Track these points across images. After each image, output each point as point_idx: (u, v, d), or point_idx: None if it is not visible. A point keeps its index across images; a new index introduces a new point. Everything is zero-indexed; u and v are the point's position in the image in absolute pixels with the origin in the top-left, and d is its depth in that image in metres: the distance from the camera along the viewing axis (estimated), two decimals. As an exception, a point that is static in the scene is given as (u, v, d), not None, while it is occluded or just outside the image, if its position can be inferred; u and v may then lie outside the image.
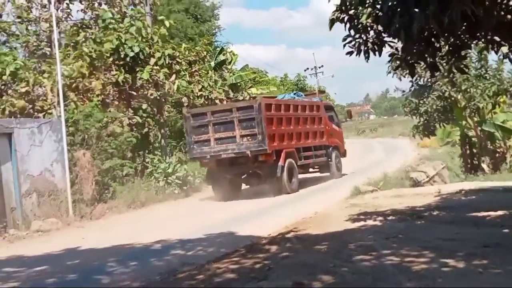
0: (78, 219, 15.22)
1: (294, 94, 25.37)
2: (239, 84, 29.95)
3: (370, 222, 10.49)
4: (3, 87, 19.50)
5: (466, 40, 8.33)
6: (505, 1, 7.55)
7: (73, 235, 13.29)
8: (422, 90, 23.22)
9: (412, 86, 22.90)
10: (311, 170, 21.60)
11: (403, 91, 24.90)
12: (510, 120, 24.84)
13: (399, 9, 7.17)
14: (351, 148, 24.76)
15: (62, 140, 15.87)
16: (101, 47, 20.50)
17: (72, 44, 22.09)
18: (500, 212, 10.12)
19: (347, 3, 8.55)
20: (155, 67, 21.07)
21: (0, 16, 23.46)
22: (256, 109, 17.33)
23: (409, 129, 29.05)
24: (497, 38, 8.48)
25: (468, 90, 22.39)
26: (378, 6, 7.91)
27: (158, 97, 21.97)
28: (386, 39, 8.52)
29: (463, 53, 8.81)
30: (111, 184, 17.86)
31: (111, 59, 20.55)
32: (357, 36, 8.64)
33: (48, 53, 22.65)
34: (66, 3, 23.44)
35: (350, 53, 8.74)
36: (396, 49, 8.83)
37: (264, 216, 13.81)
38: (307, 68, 63.63)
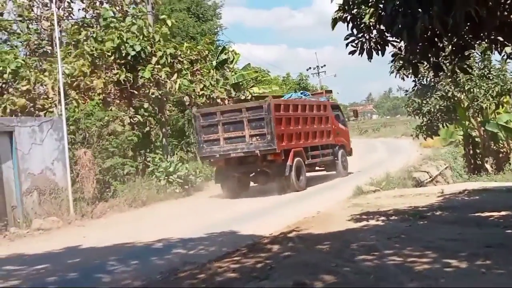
0: (79, 218, 15.19)
1: (301, 93, 25.51)
2: (241, 83, 29.87)
3: (372, 222, 10.46)
4: (4, 85, 19.49)
5: (469, 40, 8.28)
6: (508, 1, 7.50)
7: (74, 234, 13.26)
8: (425, 90, 23.19)
9: (415, 85, 22.84)
10: (317, 168, 21.81)
11: (406, 91, 24.95)
12: (514, 120, 24.79)
13: (402, 9, 7.12)
14: (353, 148, 24.77)
15: (63, 138, 15.84)
16: (102, 46, 20.47)
17: (73, 42, 22.09)
18: (503, 213, 10.09)
19: (350, 3, 8.51)
20: (156, 66, 21.02)
21: (1, 15, 23.49)
22: (265, 109, 17.58)
23: (411, 129, 28.97)
24: (500, 38, 8.44)
25: (472, 90, 22.38)
26: (381, 6, 7.86)
27: (160, 96, 21.93)
28: (389, 38, 8.47)
29: (466, 53, 8.76)
30: (112, 183, 17.84)
31: (112, 57, 20.50)
32: (359, 35, 8.60)
33: (49, 51, 22.72)
34: (68, 2, 23.54)
35: (353, 52, 8.71)
36: (399, 48, 8.80)
37: (266, 215, 13.79)
38: (309, 68, 63.83)
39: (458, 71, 9.19)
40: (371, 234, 9.14)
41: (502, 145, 25.81)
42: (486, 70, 22.76)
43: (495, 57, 22.23)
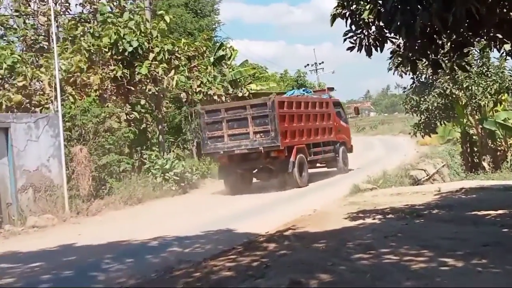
0: (74, 215, 15.13)
1: (304, 90, 25.85)
2: (238, 80, 29.80)
3: (369, 220, 10.42)
4: (0, 81, 19.38)
5: (468, 38, 8.23)
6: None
7: (69, 231, 13.21)
8: (423, 87, 23.20)
9: (413, 83, 22.86)
10: (318, 165, 22.07)
11: (404, 88, 24.93)
12: (512, 118, 24.80)
13: (401, 6, 7.07)
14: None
15: (59, 135, 15.77)
16: (99, 42, 20.39)
17: (70, 38, 22.01)
18: (500, 211, 10.06)
19: (349, -1, 8.47)
20: (153, 62, 20.94)
21: (-2, 10, 23.38)
22: (269, 106, 17.90)
23: (409, 127, 28.99)
24: (499, 36, 8.40)
25: (470, 87, 22.39)
26: (380, 2, 7.81)
27: (157, 93, 21.86)
28: (387, 35, 8.44)
29: (465, 50, 8.72)
30: (108, 180, 17.78)
31: (109, 53, 20.43)
32: (358, 31, 8.56)
33: (45, 47, 22.63)
34: (65, -3, 23.37)
35: (351, 48, 8.69)
36: (398, 45, 8.75)
37: (263, 213, 13.77)
38: (307, 64, 63.78)
39: (456, 68, 9.15)
40: (368, 233, 9.11)
41: (499, 143, 25.83)
42: (484, 67, 22.78)
43: (494, 54, 22.23)
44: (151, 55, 21.03)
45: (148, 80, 21.23)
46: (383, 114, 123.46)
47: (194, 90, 24.26)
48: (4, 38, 23.75)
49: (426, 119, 24.06)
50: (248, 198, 17.30)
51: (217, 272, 7.43)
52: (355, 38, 8.68)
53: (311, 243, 8.67)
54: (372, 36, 8.60)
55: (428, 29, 7.35)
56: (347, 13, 8.62)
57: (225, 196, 18.66)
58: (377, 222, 10.26)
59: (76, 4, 23.86)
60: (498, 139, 25.70)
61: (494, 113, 25.03)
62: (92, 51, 20.42)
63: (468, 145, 25.20)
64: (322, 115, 21.46)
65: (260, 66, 46.03)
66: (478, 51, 20.81)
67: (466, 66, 9.89)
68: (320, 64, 65.56)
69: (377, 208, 11.72)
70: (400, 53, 8.70)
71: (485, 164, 24.40)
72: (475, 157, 25.07)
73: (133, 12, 22.62)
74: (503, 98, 24.39)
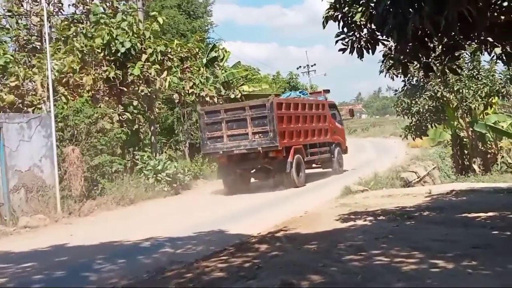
0: (66, 216, 15.12)
1: (300, 92, 26.39)
2: (230, 81, 29.80)
3: (360, 222, 10.46)
4: (-8, 81, 19.34)
5: (460, 41, 8.29)
6: (498, 2, 7.51)
7: (61, 232, 13.19)
8: (415, 90, 23.27)
9: (405, 85, 22.95)
10: (314, 165, 22.36)
11: (395, 91, 24.96)
12: (502, 121, 24.95)
13: (392, 9, 7.12)
14: (343, 148, 24.99)
15: (51, 135, 15.76)
16: (92, 42, 20.36)
17: (62, 38, 21.95)
18: (490, 214, 10.12)
19: (341, 1, 8.52)
20: (146, 63, 20.94)
21: (-10, 10, 23.28)
22: (268, 107, 18.27)
23: (400, 129, 29.07)
24: (490, 39, 8.46)
25: (461, 90, 22.48)
26: (372, 5, 7.86)
27: (149, 94, 21.84)
28: (379, 37, 8.49)
29: (457, 53, 8.78)
30: (100, 181, 17.75)
31: (102, 54, 20.40)
32: (350, 33, 8.61)
33: (38, 47, 22.55)
34: (57, -3, 23.30)
35: (343, 50, 8.73)
36: (390, 48, 8.81)
37: (255, 215, 13.81)
38: (300, 66, 63.87)
39: (448, 71, 9.21)
40: (359, 234, 9.15)
41: (490, 146, 25.95)
42: (475, 71, 22.87)
43: (484, 58, 22.35)
44: (144, 56, 21.03)
45: (140, 81, 21.22)
46: (374, 116, 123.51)
47: (187, 91, 24.25)
48: (-4, 38, 23.67)
49: (417, 122, 24.13)
50: (242, 198, 17.38)
51: (209, 273, 7.44)
52: (347, 40, 8.73)
53: (303, 245, 8.70)
54: (364, 39, 8.65)
55: (420, 32, 7.40)
56: (339, 16, 8.67)
57: (217, 197, 18.72)
58: (368, 223, 10.30)
59: (69, 5, 23.81)
60: (489, 142, 25.82)
61: (484, 116, 25.16)
62: (84, 51, 20.39)
63: (458, 147, 25.26)
64: (318, 117, 21.86)
65: (252, 67, 46.01)
66: (469, 55, 20.94)
67: (457, 69, 9.96)
68: (312, 66, 65.71)
69: (368, 210, 11.76)
70: (392, 55, 8.76)
71: (475, 166, 24.50)
72: (466, 160, 25.14)
73: (126, 13, 22.57)
74: (493, 101, 24.48)
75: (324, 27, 8.85)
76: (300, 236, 9.68)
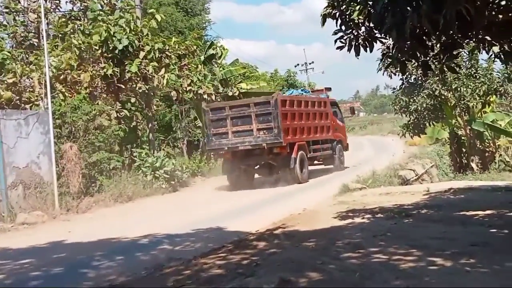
0: (64, 212, 15.10)
1: (302, 90, 26.66)
2: (228, 79, 29.79)
3: (358, 220, 10.48)
4: (-10, 77, 19.28)
5: (458, 39, 8.29)
6: (496, 1, 7.52)
7: (59, 228, 13.16)
8: (413, 88, 23.32)
9: (403, 84, 23.01)
10: (316, 162, 22.75)
11: (394, 89, 25.01)
12: (500, 119, 25.00)
13: (391, 8, 7.11)
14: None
15: (49, 132, 15.73)
16: (89, 39, 20.33)
17: (60, 35, 21.90)
18: (488, 212, 10.13)
19: (339, -1, 8.51)
20: (144, 61, 20.92)
21: (-13, 6, 23.22)
22: (272, 104, 18.68)
23: (398, 127, 29.10)
24: (488, 38, 8.46)
25: (459, 89, 22.52)
26: (370, 3, 7.86)
27: (147, 91, 21.85)
28: (377, 35, 8.49)
29: (455, 52, 8.78)
30: (98, 178, 17.75)
31: (99, 51, 20.37)
32: (348, 31, 8.61)
33: (35, 44, 22.50)
34: (55, -6, 23.25)
35: (341, 47, 8.72)
36: (388, 46, 8.81)
37: (255, 211, 13.88)
38: (298, 64, 63.90)
39: (446, 70, 9.21)
40: (357, 232, 9.16)
41: (488, 144, 25.97)
42: (473, 69, 22.91)
43: (482, 56, 22.39)
44: (142, 53, 21.01)
45: (138, 78, 21.19)
46: (372, 114, 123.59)
47: (185, 89, 24.22)
48: (-6, 34, 23.61)
49: (415, 120, 24.18)
50: (243, 194, 17.54)
51: (207, 270, 7.44)
52: (345, 38, 8.73)
53: (301, 242, 8.70)
54: (362, 37, 8.64)
55: (418, 30, 7.40)
56: (337, 14, 8.66)
57: (216, 194, 18.79)
58: (366, 221, 10.31)
59: (66, 2, 23.74)
60: (486, 140, 25.86)
61: (482, 115, 25.19)
62: (82, 48, 20.35)
63: (456, 146, 25.31)
64: (320, 114, 22.26)
65: (250, 65, 45.96)
66: (467, 53, 20.95)
67: (456, 67, 9.97)
68: (310, 64, 65.76)
69: (366, 208, 11.77)
70: (390, 54, 8.76)
71: (473, 165, 24.54)
72: (464, 158, 25.19)
73: (123, 10, 22.57)
74: (491, 99, 24.55)
75: (323, 25, 8.85)
76: (298, 233, 9.70)
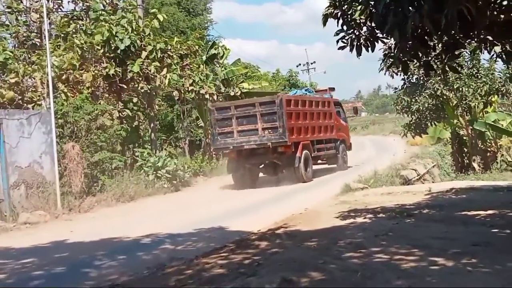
0: (66, 212, 15.12)
1: (306, 90, 26.66)
2: (230, 79, 29.80)
3: (359, 220, 10.47)
4: (-8, 77, 19.35)
5: (460, 39, 8.29)
6: (498, 1, 7.52)
7: (61, 228, 13.18)
8: (414, 88, 23.32)
9: (404, 84, 22.98)
10: (319, 161, 22.81)
11: (395, 89, 25.01)
12: (501, 119, 24.98)
13: (392, 7, 7.12)
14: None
15: (51, 132, 15.75)
16: (91, 39, 20.35)
17: (62, 35, 21.94)
18: (489, 212, 10.13)
19: (341, -1, 8.51)
20: (146, 60, 20.95)
21: (-10, 6, 23.26)
22: (277, 104, 18.83)
23: (400, 127, 29.09)
24: (490, 38, 8.46)
25: (460, 89, 22.51)
26: (372, 3, 7.85)
27: (149, 91, 21.86)
28: (379, 35, 8.48)
29: (457, 52, 8.78)
30: (100, 177, 17.77)
31: (101, 51, 20.40)
32: (350, 31, 8.60)
33: (38, 44, 22.54)
34: (57, -6, 23.28)
35: (343, 47, 8.72)
36: (389, 46, 8.80)
37: (258, 210, 13.87)
38: (299, 64, 64.01)
39: (448, 70, 9.20)
40: (358, 232, 9.16)
41: (489, 144, 25.99)
42: (474, 69, 22.90)
43: (484, 56, 22.39)
44: (144, 53, 21.04)
45: (140, 78, 21.22)
46: (374, 114, 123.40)
47: (186, 89, 24.28)
48: (-4, 34, 23.66)
49: (417, 120, 24.19)
50: (246, 194, 17.56)
51: (209, 269, 7.44)
52: (346, 38, 8.72)
53: (303, 242, 8.70)
54: (364, 37, 8.64)
55: (420, 30, 7.40)
56: (339, 13, 8.66)
57: (217, 194, 18.80)
58: (367, 221, 10.31)
59: (69, 1, 23.87)
60: (488, 140, 25.86)
61: (484, 115, 25.19)
62: (84, 48, 20.39)
63: (458, 145, 25.30)
64: (324, 114, 22.40)
65: (252, 65, 45.97)
66: (469, 53, 20.96)
67: (457, 67, 9.96)
68: (312, 64, 65.89)
69: (368, 208, 11.77)
70: (392, 54, 8.75)
71: (475, 164, 24.54)
72: (465, 158, 25.18)
73: (125, 10, 22.58)
74: (493, 99, 24.52)
75: (324, 25, 8.85)
76: (300, 233, 9.70)
